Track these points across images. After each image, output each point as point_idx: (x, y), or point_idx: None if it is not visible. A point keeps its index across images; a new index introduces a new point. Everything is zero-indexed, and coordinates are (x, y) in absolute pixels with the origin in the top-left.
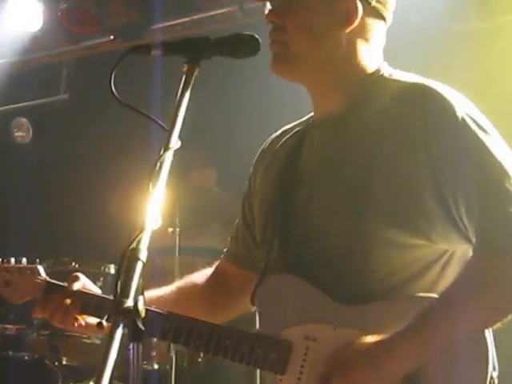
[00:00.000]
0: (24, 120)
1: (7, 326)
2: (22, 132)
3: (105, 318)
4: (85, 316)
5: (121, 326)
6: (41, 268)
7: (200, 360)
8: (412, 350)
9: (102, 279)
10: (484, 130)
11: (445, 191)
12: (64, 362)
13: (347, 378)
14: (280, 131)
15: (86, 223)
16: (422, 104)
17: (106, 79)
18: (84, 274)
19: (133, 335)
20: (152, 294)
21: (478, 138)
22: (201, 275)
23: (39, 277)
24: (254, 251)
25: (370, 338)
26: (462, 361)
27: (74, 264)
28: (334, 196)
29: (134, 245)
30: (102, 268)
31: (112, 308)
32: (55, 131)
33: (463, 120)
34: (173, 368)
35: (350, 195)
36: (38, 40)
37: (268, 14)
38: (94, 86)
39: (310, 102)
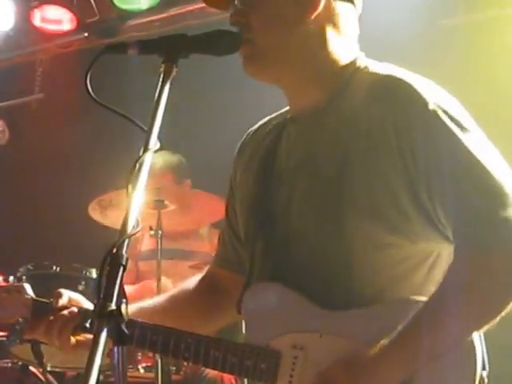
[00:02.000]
0: (0, 121)
1: None
2: None
3: (88, 322)
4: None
5: (105, 330)
6: (27, 286)
7: (186, 364)
8: (401, 362)
9: (83, 283)
10: (457, 123)
11: (419, 189)
12: (48, 369)
13: None
14: (257, 125)
15: (65, 226)
16: (392, 98)
17: (82, 77)
18: (65, 277)
19: (117, 339)
20: (145, 304)
21: (450, 131)
22: (192, 281)
23: (26, 296)
24: (241, 253)
25: (358, 351)
26: (449, 364)
27: (54, 268)
28: (310, 196)
29: (115, 249)
30: (84, 272)
31: (95, 312)
32: (32, 131)
33: (435, 113)
34: (158, 372)
35: (327, 195)
36: (11, 39)
37: (232, 15)
38: (69, 84)
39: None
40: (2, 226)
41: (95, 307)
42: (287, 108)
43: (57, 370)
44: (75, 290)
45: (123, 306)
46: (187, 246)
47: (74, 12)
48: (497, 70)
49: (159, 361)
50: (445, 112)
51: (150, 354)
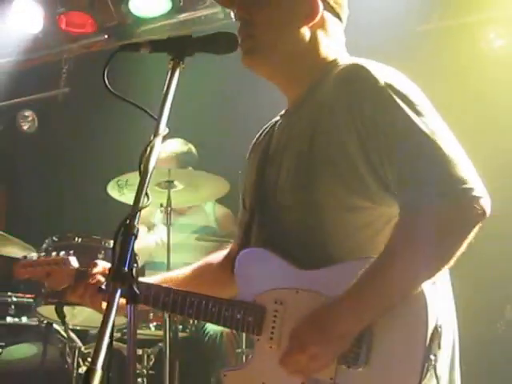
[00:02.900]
0: (30, 112)
1: (19, 295)
2: (28, 123)
3: (103, 284)
4: None
5: (118, 290)
6: (73, 259)
7: (191, 322)
8: (354, 313)
9: (102, 252)
10: (407, 101)
11: (373, 158)
12: (71, 327)
13: (303, 347)
14: (265, 126)
15: (87, 202)
16: (348, 78)
17: (101, 74)
18: (86, 247)
19: (129, 298)
20: (173, 274)
21: (396, 104)
22: (216, 256)
23: (71, 267)
24: None
25: (322, 305)
26: (401, 316)
27: (77, 239)
28: (290, 171)
29: (128, 221)
30: (103, 243)
31: (110, 275)
32: (58, 121)
33: (384, 88)
34: (167, 330)
35: (300, 167)
36: (40, 40)
37: (237, 11)
38: (91, 80)
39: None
40: (31, 203)
41: (110, 271)
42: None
43: (77, 328)
44: (95, 258)
45: (135, 270)
46: (194, 220)
47: (95, 17)
48: (467, 71)
49: (167, 320)
50: (395, 89)
51: (160, 314)
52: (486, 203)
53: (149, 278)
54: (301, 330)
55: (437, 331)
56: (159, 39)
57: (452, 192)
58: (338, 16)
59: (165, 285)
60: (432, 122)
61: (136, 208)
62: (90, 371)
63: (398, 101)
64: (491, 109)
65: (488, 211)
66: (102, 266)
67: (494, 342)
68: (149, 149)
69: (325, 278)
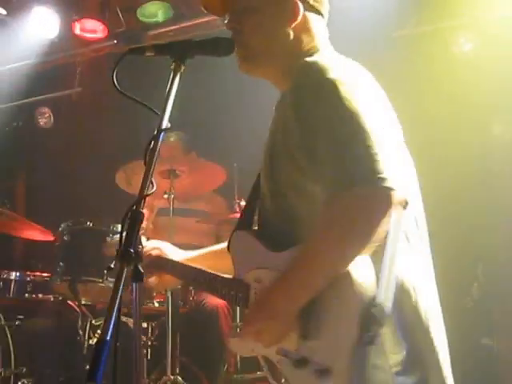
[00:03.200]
0: (46, 109)
1: (36, 273)
2: (44, 119)
3: (112, 264)
4: None
5: (125, 269)
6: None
7: (191, 299)
8: (285, 293)
9: (110, 235)
10: (347, 94)
11: (317, 150)
12: (83, 302)
13: (249, 323)
14: None
15: (97, 190)
16: (298, 75)
17: (110, 75)
18: (97, 231)
19: (134, 276)
20: (191, 254)
21: (337, 100)
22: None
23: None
24: None
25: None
26: (336, 294)
27: (88, 223)
28: (264, 164)
29: (134, 206)
30: (111, 227)
31: (118, 255)
32: (71, 117)
33: (326, 84)
34: (169, 305)
35: (267, 161)
36: (56, 45)
37: (228, 21)
38: (101, 80)
39: None
40: (48, 191)
41: (118, 252)
42: None
43: (89, 303)
44: (104, 240)
45: (140, 251)
46: (193, 206)
47: (105, 24)
48: (440, 73)
49: (169, 297)
50: (337, 84)
51: (163, 292)
52: (395, 195)
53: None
54: (250, 308)
55: (374, 308)
56: (162, 43)
57: (367, 183)
58: (318, 13)
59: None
60: (366, 118)
61: (141, 195)
62: (101, 341)
63: (339, 95)
64: (463, 108)
65: (396, 202)
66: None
67: (462, 316)
68: (153, 142)
69: (286, 259)
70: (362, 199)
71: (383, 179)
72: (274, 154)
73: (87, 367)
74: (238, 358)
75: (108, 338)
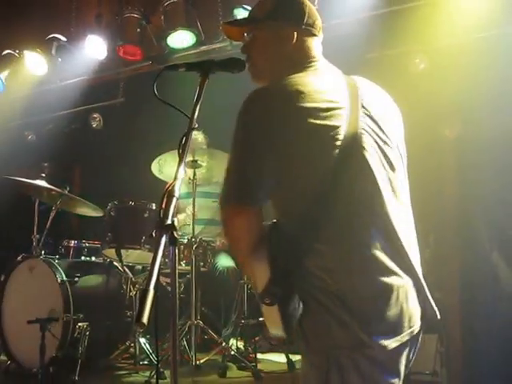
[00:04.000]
0: (97, 114)
1: (90, 242)
2: (96, 122)
3: (153, 232)
4: None
5: (164, 236)
6: None
7: (209, 261)
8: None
9: (147, 212)
10: (243, 125)
11: None
12: (125, 264)
13: None
14: None
15: (140, 179)
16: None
17: (148, 89)
18: (137, 208)
19: (171, 241)
20: None
21: (237, 129)
22: None
23: None
24: None
25: None
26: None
27: (130, 202)
28: None
29: (171, 187)
30: (147, 205)
31: (158, 225)
32: (117, 121)
33: (239, 114)
34: (193, 266)
35: None
36: (104, 64)
37: (242, 47)
38: (139, 93)
39: None
40: (98, 179)
41: (157, 222)
42: None
43: (130, 264)
44: (143, 216)
45: (175, 221)
46: (212, 189)
47: (142, 48)
48: (401, 88)
49: (193, 259)
50: (242, 115)
51: (188, 255)
52: (240, 210)
53: None
54: None
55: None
56: (192, 62)
57: (228, 199)
58: (312, 35)
59: None
60: (247, 147)
61: (176, 178)
62: (146, 291)
63: (239, 125)
64: (418, 114)
65: (240, 215)
66: None
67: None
68: (184, 138)
69: None
70: (225, 213)
71: (235, 198)
72: None
73: (128, 313)
74: (245, 307)
75: (152, 287)
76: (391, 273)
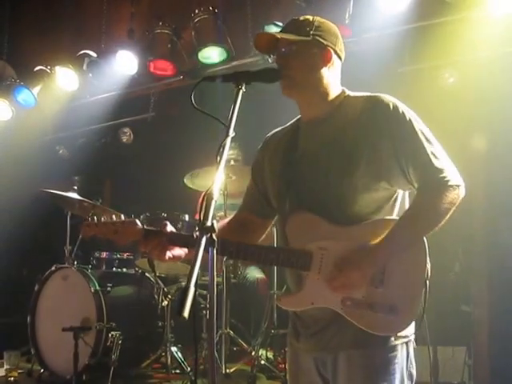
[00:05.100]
0: (127, 128)
1: (122, 253)
2: (126, 136)
3: (194, 233)
4: (172, 249)
5: (204, 237)
6: (137, 220)
7: (240, 273)
8: (388, 249)
9: (180, 223)
10: (415, 121)
11: (400, 158)
12: (157, 274)
13: (342, 274)
14: (272, 132)
15: (170, 191)
16: (376, 105)
17: (178, 103)
18: (169, 220)
19: (210, 242)
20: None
21: (411, 124)
22: (224, 222)
23: (137, 226)
24: (264, 205)
25: (360, 247)
26: (410, 254)
27: (163, 214)
28: (329, 162)
29: (209, 191)
30: (180, 216)
31: (199, 226)
32: (147, 135)
33: (404, 114)
34: (224, 277)
35: (343, 162)
36: (135, 79)
37: (276, 58)
38: (170, 107)
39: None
40: (129, 190)
41: (198, 224)
42: (297, 118)
43: (162, 275)
44: (176, 227)
45: (215, 224)
46: (241, 201)
47: (173, 63)
48: (432, 106)
49: (224, 270)
50: (409, 113)
51: (220, 266)
52: (462, 190)
53: None
54: (346, 256)
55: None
56: (228, 73)
57: (445, 181)
58: (340, 58)
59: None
60: (431, 135)
61: (214, 184)
62: (187, 288)
63: (408, 117)
64: (447, 126)
65: (462, 195)
66: (170, 228)
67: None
68: (222, 146)
69: (355, 233)
70: (444, 194)
71: (452, 179)
72: (348, 157)
73: (160, 323)
74: (275, 317)
75: (192, 285)
76: None
